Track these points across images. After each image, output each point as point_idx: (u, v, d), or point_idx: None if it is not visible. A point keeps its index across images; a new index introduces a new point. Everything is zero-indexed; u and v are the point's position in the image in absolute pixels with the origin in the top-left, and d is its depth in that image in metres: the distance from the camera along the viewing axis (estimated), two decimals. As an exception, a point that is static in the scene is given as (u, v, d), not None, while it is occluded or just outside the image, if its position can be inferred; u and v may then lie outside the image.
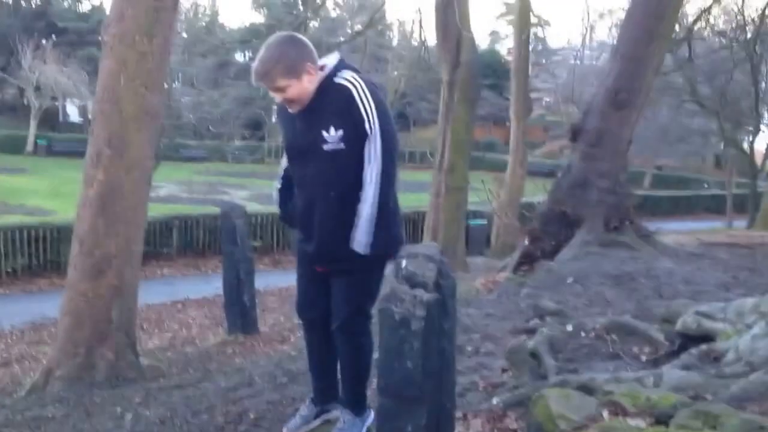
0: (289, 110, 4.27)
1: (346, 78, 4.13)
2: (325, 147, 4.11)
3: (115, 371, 8.94)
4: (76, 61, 53.24)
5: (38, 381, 8.99)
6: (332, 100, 4.11)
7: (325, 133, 4.10)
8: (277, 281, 19.30)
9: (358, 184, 4.13)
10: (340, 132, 4.08)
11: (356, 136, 4.08)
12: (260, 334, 10.98)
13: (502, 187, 24.98)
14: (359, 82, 4.11)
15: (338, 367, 4.60)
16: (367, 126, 4.06)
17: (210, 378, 8.11)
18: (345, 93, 4.09)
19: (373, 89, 4.15)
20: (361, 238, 4.11)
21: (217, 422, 5.99)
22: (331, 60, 4.27)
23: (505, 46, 71.48)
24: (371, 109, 4.06)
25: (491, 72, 52.46)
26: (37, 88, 52.62)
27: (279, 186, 4.63)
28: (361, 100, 4.06)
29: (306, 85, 4.14)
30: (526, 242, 11.83)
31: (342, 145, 4.09)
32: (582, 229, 11.02)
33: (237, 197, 35.38)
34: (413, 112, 57.03)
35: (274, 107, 43.03)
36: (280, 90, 4.16)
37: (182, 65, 37.77)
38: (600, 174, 11.47)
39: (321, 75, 4.18)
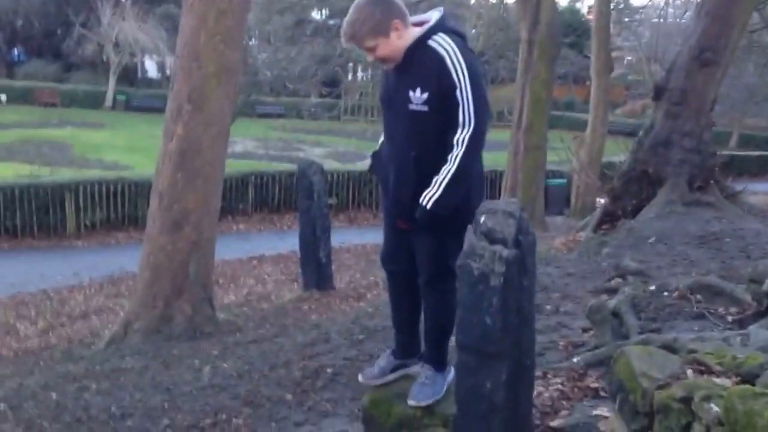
0: (384, 67, 4.29)
1: (440, 43, 4.07)
2: (410, 107, 4.10)
3: (192, 325, 9.07)
4: (154, 17, 53.68)
5: (117, 333, 9.17)
6: (423, 63, 4.08)
7: (411, 93, 4.08)
8: (353, 239, 19.34)
9: (437, 148, 4.10)
10: (425, 95, 4.05)
11: (442, 102, 4.04)
12: (336, 290, 11.01)
13: (582, 146, 24.62)
14: (452, 48, 4.05)
15: (421, 322, 4.57)
16: (458, 92, 4.00)
17: (286, 333, 8.16)
18: (436, 58, 4.04)
19: (467, 54, 4.09)
20: (433, 196, 4.06)
21: (294, 377, 6.02)
22: (433, 17, 4.21)
23: (586, 4, 70.28)
24: (464, 76, 4.00)
25: (571, 30, 51.56)
26: (116, 45, 53.20)
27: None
28: (453, 65, 4.01)
29: (395, 42, 4.11)
30: (607, 202, 11.66)
31: (425, 108, 4.07)
32: (665, 188, 10.80)
33: (313, 154, 35.49)
34: (491, 71, 56.44)
35: (351, 65, 42.97)
36: (371, 50, 4.16)
37: (259, 23, 37.77)
38: (683, 133, 11.21)
39: (417, 32, 4.14)
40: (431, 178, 4.10)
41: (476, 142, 4.06)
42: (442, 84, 4.01)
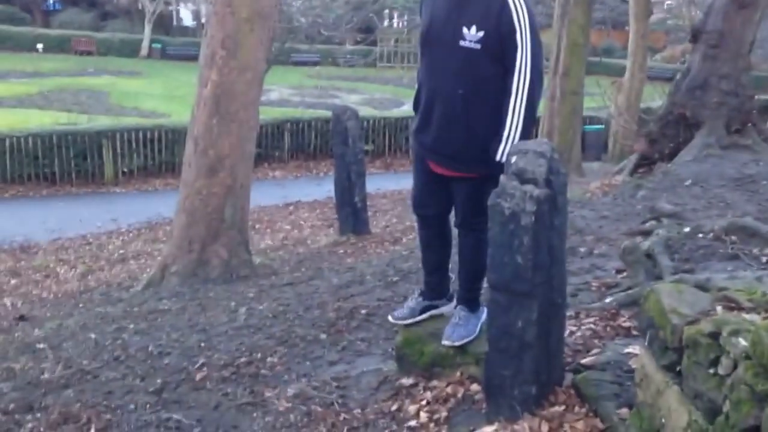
0: None
1: None
2: (462, 43, 4.06)
3: (228, 268, 9.16)
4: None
5: (154, 276, 9.28)
6: (483, 1, 4.04)
7: (465, 30, 4.05)
8: (389, 184, 19.38)
9: (486, 87, 4.09)
10: (481, 33, 4.02)
11: (496, 42, 4.02)
12: (372, 235, 11.07)
13: (620, 91, 24.33)
14: None
15: (451, 264, 4.62)
16: (518, 36, 3.98)
17: (322, 276, 8.22)
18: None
19: (527, 0, 4.07)
20: (504, 149, 4.04)
21: (328, 317, 6.07)
22: None
23: (625, -53, 69.11)
24: (525, 21, 3.99)
25: (609, -27, 50.90)
26: (151, -7, 53.32)
27: None
28: (515, 9, 3.99)
29: None
30: (643, 145, 11.58)
31: (478, 46, 4.04)
32: (702, 131, 10.72)
33: (349, 101, 35.33)
34: (528, 16, 55.92)
35: (386, 11, 42.57)
36: None
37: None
38: (721, 76, 11.10)
39: None
40: (478, 116, 4.11)
41: (535, 89, 4.06)
42: (501, 25, 3.99)
